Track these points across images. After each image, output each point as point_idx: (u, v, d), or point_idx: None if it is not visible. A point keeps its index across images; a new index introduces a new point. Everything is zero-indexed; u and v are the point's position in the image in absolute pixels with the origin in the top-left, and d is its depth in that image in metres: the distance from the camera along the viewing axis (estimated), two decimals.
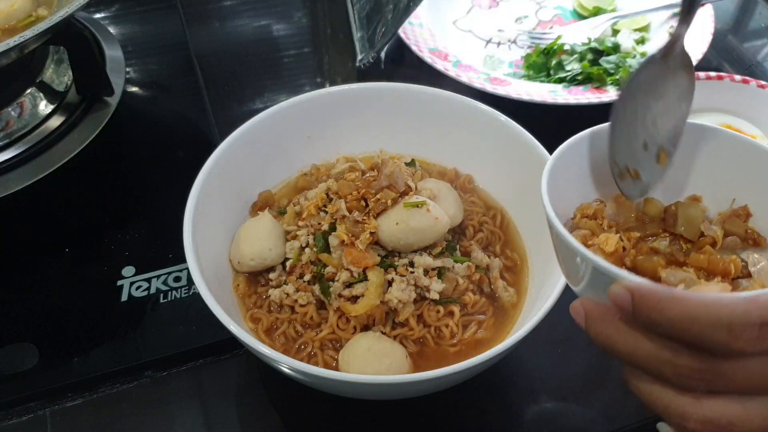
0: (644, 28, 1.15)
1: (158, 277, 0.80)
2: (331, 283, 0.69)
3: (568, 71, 1.05)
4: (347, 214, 0.71)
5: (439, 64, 1.04)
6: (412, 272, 0.70)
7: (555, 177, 0.55)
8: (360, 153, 0.86)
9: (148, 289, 0.79)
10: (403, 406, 0.72)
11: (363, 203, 0.72)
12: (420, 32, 1.11)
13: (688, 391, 0.43)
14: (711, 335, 0.40)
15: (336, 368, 0.67)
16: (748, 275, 0.53)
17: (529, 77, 1.08)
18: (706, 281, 0.52)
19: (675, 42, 0.56)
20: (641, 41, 1.13)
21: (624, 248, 0.55)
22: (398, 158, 0.80)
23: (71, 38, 0.87)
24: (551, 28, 1.19)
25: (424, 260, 0.70)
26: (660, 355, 0.43)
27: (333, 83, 1.13)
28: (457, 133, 0.83)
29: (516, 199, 0.81)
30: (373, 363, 0.65)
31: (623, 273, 0.45)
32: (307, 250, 0.72)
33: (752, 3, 1.28)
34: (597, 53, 1.08)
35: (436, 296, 0.70)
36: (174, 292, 0.79)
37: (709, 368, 0.41)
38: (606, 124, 0.57)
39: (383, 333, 0.69)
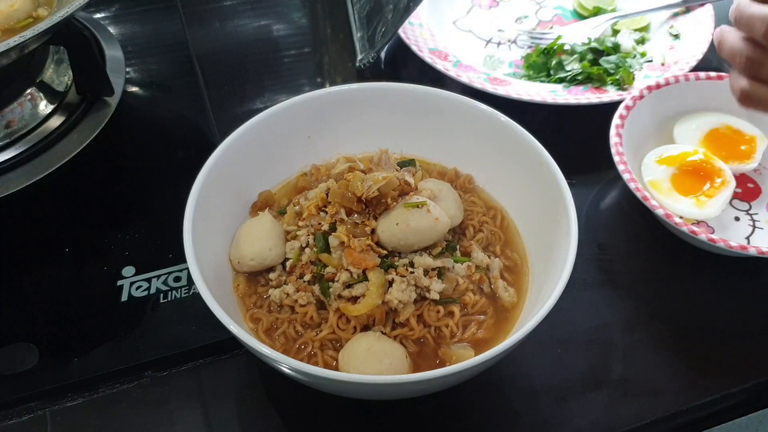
0: (644, 28, 1.15)
1: (158, 277, 0.80)
2: (330, 283, 0.69)
3: (568, 71, 1.05)
4: (346, 218, 0.71)
5: (439, 64, 1.04)
6: (412, 272, 0.70)
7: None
8: (360, 153, 0.86)
9: (148, 289, 0.79)
10: (403, 406, 0.72)
11: (363, 204, 0.72)
12: (420, 32, 1.11)
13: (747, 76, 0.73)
14: None
15: (336, 368, 0.67)
16: None
17: (529, 77, 1.08)
18: None
19: None
20: (641, 41, 1.13)
21: None
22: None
23: (71, 38, 0.87)
24: (551, 28, 1.19)
25: (424, 260, 0.70)
26: (742, 50, 0.71)
27: (333, 83, 1.13)
28: (457, 133, 0.83)
29: (516, 199, 0.81)
30: (373, 363, 0.65)
31: None
32: (307, 250, 0.72)
33: None
34: (597, 53, 1.08)
35: (436, 296, 0.70)
36: (174, 292, 0.79)
37: (760, 58, 0.71)
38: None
39: (383, 333, 0.69)
